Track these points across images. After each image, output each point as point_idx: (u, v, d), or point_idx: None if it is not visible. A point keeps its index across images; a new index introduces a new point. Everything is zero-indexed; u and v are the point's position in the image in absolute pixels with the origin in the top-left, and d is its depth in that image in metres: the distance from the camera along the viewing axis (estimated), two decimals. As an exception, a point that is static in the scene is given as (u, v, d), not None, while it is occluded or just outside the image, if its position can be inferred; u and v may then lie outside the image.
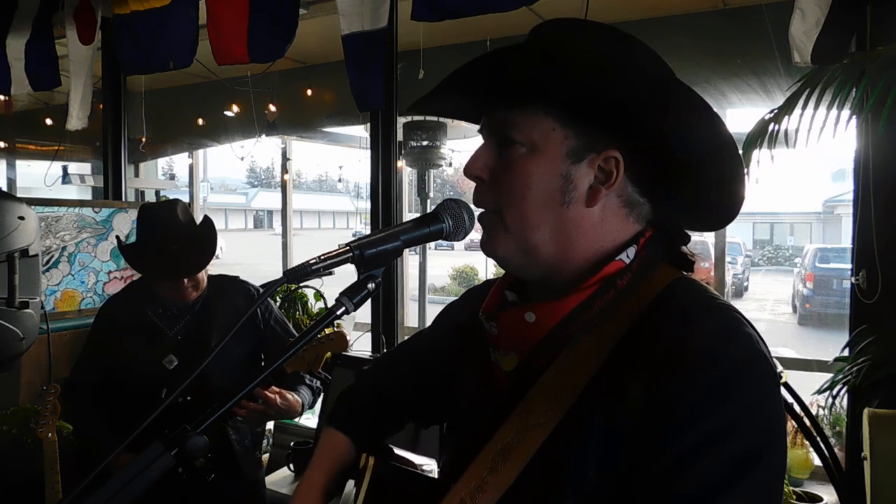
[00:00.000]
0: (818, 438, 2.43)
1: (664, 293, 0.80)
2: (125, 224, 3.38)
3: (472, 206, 0.90)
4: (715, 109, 0.77)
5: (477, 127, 0.91)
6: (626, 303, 0.80)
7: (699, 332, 0.73)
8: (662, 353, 0.73)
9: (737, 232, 18.40)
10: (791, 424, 3.63)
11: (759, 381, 0.72)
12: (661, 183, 0.83)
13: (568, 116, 0.80)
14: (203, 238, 2.15)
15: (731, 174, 0.80)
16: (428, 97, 0.90)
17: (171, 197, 4.05)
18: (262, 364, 2.32)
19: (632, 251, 0.82)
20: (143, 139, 5.41)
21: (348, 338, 1.98)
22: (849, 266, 2.45)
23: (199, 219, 2.19)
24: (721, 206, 0.84)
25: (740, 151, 2.23)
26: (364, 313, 1.83)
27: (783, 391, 2.60)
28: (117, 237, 2.58)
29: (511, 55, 0.82)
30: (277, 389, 1.99)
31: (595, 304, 0.80)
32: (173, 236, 2.09)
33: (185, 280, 2.11)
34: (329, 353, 1.90)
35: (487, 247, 0.86)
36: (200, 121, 6.03)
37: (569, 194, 0.81)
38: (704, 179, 0.80)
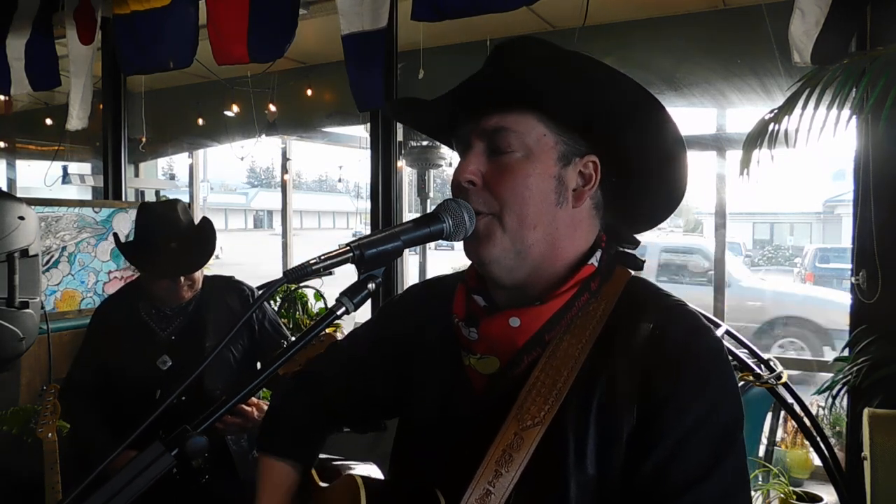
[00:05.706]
0: (818, 438, 2.43)
1: (626, 294, 0.89)
2: (125, 224, 3.37)
3: None
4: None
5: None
6: (597, 303, 0.87)
7: (675, 330, 0.83)
8: (646, 351, 0.81)
9: (737, 232, 18.36)
10: (791, 424, 3.64)
11: (725, 362, 0.83)
12: (620, 185, 0.90)
13: (556, 124, 0.86)
14: (202, 237, 2.15)
15: (683, 172, 0.89)
16: (408, 105, 0.95)
17: (171, 197, 4.06)
18: (259, 367, 2.31)
19: (598, 255, 0.89)
20: (143, 139, 5.39)
21: (339, 337, 1.96)
22: (849, 266, 2.44)
23: (198, 219, 2.20)
24: (664, 206, 0.93)
25: (741, 151, 2.24)
26: (364, 313, 1.82)
27: (783, 391, 2.61)
28: (115, 234, 2.56)
29: (508, 65, 0.87)
30: (255, 401, 1.98)
31: (573, 306, 0.86)
32: (173, 235, 2.09)
33: (182, 279, 2.10)
34: None
35: (481, 248, 0.87)
36: (200, 121, 6.03)
37: (562, 195, 0.87)
38: (660, 179, 0.89)
